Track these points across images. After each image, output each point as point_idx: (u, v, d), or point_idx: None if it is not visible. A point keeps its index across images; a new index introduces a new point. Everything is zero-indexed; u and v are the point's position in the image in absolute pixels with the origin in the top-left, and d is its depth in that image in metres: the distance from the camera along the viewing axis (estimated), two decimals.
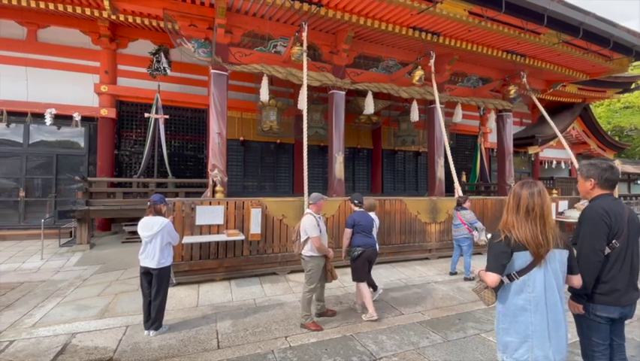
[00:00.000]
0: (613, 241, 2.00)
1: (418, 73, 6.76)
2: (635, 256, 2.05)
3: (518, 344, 1.73)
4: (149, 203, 3.66)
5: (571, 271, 1.85)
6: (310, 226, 3.69)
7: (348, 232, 4.11)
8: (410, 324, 3.88)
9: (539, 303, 1.70)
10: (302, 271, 5.67)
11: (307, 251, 3.75)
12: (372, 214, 4.45)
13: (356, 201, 4.29)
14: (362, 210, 4.26)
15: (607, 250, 2.00)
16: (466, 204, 5.81)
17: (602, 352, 2.06)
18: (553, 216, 1.88)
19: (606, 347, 2.07)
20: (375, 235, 4.26)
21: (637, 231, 2.07)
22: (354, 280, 4.12)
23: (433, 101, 7.97)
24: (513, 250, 1.73)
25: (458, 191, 6.12)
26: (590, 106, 15.01)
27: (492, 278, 1.77)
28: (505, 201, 1.89)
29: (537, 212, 1.74)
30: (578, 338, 2.21)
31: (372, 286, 4.51)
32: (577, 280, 1.91)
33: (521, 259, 1.73)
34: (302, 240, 3.76)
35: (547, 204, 1.76)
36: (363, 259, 4.00)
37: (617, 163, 12.37)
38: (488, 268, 1.80)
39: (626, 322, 2.17)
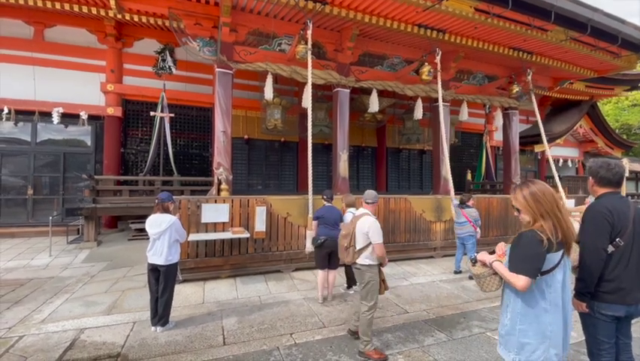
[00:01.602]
0: (617, 240, 1.98)
1: (426, 69, 6.73)
2: None
3: (536, 346, 1.70)
4: (156, 201, 3.70)
5: None
6: (376, 229, 3.10)
7: (314, 223, 4.58)
8: (415, 322, 3.88)
9: (558, 303, 1.70)
10: (306, 268, 5.76)
11: (365, 259, 3.14)
12: (354, 210, 4.70)
13: (325, 197, 4.74)
14: (329, 205, 4.66)
15: (611, 249, 1.99)
16: (471, 202, 5.86)
17: (607, 350, 2.06)
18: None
19: (612, 345, 2.07)
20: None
21: None
22: (316, 266, 4.58)
23: (438, 99, 7.93)
24: (549, 251, 1.66)
25: (452, 195, 6.29)
26: (598, 104, 14.82)
27: (524, 283, 1.64)
28: (528, 204, 1.75)
29: (565, 207, 1.74)
30: (584, 337, 2.20)
31: (354, 282, 4.80)
32: None
33: (550, 260, 1.68)
34: (360, 246, 3.13)
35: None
36: (324, 248, 4.34)
37: (625, 161, 12.21)
38: (519, 270, 1.67)
39: (633, 321, 2.15)
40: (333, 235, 4.38)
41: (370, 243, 3.10)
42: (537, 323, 1.70)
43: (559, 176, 13.24)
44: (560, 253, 1.69)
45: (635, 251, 2.01)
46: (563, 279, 1.71)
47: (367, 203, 3.33)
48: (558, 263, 1.69)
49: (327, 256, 4.40)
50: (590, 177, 2.18)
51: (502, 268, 1.79)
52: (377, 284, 3.17)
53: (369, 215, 3.23)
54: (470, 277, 5.57)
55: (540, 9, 5.71)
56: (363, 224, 3.13)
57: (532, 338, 1.70)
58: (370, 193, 3.39)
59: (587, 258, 2.00)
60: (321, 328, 3.67)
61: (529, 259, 1.66)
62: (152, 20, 7.32)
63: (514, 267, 1.71)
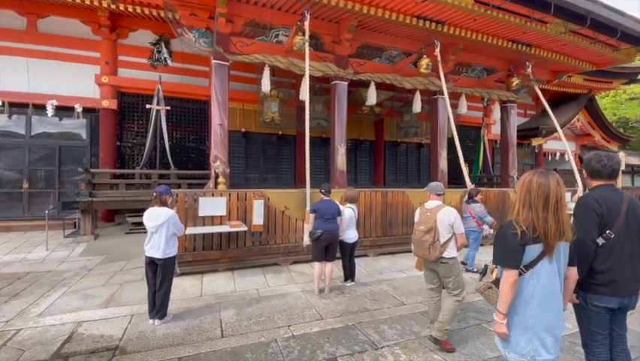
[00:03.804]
0: (607, 232, 1.98)
1: (425, 61, 6.68)
2: (636, 246, 2.03)
3: (519, 337, 1.74)
4: (154, 194, 3.67)
5: (570, 262, 1.84)
6: (460, 219, 3.13)
7: (311, 217, 4.59)
8: (412, 314, 3.91)
9: (542, 295, 1.70)
10: (304, 261, 5.77)
11: (450, 252, 3.07)
12: (354, 206, 4.83)
13: (323, 190, 4.76)
14: (327, 198, 4.67)
15: (601, 241, 2.00)
16: (478, 197, 5.73)
17: (600, 341, 2.08)
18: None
19: (605, 336, 2.09)
20: (337, 223, 4.54)
21: (637, 222, 2.04)
22: (313, 259, 4.64)
23: (436, 92, 7.90)
24: (526, 243, 1.69)
25: (468, 182, 6.15)
26: (596, 97, 14.82)
27: (513, 276, 1.69)
28: (519, 192, 1.78)
29: (563, 203, 1.70)
30: (578, 328, 2.22)
31: (351, 275, 4.91)
32: (573, 273, 1.89)
33: (530, 252, 1.70)
34: (445, 239, 3.04)
35: (565, 194, 1.74)
36: (321, 241, 4.38)
37: (622, 155, 12.27)
38: (504, 264, 1.75)
39: (629, 312, 2.17)
40: (329, 228, 4.41)
41: (453, 234, 3.09)
42: (517, 315, 1.75)
43: (555, 170, 13.33)
44: (538, 246, 1.68)
45: (628, 243, 2.01)
46: (548, 273, 1.70)
47: (438, 195, 3.32)
48: (540, 257, 1.69)
49: (325, 248, 4.43)
50: (584, 170, 2.22)
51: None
52: (462, 274, 3.18)
53: (446, 206, 3.20)
54: (467, 270, 5.61)
55: (540, 1, 5.66)
56: (447, 215, 3.08)
57: (514, 328, 1.75)
58: (439, 185, 3.37)
59: (575, 249, 2.01)
60: (319, 320, 3.70)
61: (508, 251, 1.72)
62: (146, 11, 7.21)
63: (496, 260, 1.79)
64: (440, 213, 3.10)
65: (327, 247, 4.43)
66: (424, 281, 3.43)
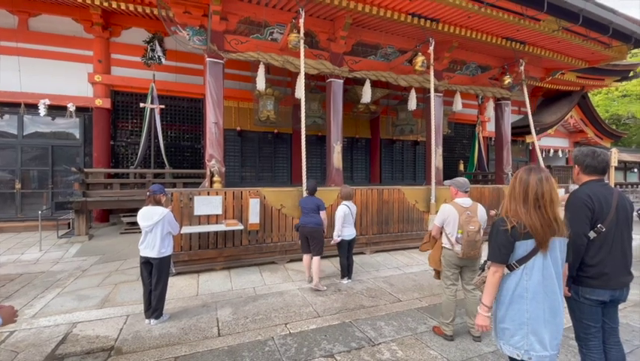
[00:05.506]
0: (598, 226, 2.02)
1: (420, 59, 6.69)
2: (626, 240, 2.09)
3: (514, 331, 1.75)
4: (148, 193, 3.64)
5: (566, 258, 1.86)
6: None
7: None
8: (408, 310, 3.94)
9: (537, 291, 1.71)
10: (301, 259, 5.73)
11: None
12: (350, 203, 4.82)
13: (307, 189, 5.02)
14: (308, 195, 4.91)
15: (593, 235, 2.04)
16: None
17: (593, 334, 2.11)
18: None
19: (598, 329, 2.12)
20: (318, 217, 4.67)
21: (626, 216, 2.09)
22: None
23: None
24: (516, 239, 1.71)
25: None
26: (589, 94, 14.98)
27: (499, 271, 1.77)
28: (508, 189, 1.84)
29: (546, 199, 1.71)
30: (572, 322, 2.24)
31: (348, 272, 4.93)
32: (564, 269, 1.94)
33: (522, 248, 1.72)
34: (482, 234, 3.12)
35: (555, 190, 1.75)
36: (300, 234, 4.69)
37: (614, 151, 12.39)
38: (492, 259, 1.79)
39: (621, 306, 2.20)
40: (306, 221, 4.62)
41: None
42: (512, 310, 1.76)
43: (549, 166, 13.46)
44: (531, 242, 1.71)
45: (619, 237, 2.05)
46: (543, 268, 1.71)
47: (466, 192, 3.26)
48: (533, 252, 1.71)
49: (306, 240, 4.62)
50: (576, 166, 2.23)
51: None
52: None
53: (477, 203, 3.22)
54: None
55: None
56: (483, 212, 3.17)
57: (509, 323, 1.77)
58: (467, 181, 3.28)
59: (568, 244, 2.04)
60: (316, 317, 3.70)
61: (497, 247, 1.77)
62: (139, 8, 7.14)
63: (488, 255, 1.83)
64: (479, 210, 3.16)
65: (308, 239, 4.60)
66: (443, 280, 3.38)
